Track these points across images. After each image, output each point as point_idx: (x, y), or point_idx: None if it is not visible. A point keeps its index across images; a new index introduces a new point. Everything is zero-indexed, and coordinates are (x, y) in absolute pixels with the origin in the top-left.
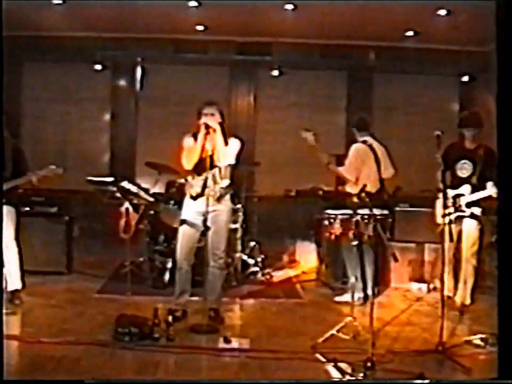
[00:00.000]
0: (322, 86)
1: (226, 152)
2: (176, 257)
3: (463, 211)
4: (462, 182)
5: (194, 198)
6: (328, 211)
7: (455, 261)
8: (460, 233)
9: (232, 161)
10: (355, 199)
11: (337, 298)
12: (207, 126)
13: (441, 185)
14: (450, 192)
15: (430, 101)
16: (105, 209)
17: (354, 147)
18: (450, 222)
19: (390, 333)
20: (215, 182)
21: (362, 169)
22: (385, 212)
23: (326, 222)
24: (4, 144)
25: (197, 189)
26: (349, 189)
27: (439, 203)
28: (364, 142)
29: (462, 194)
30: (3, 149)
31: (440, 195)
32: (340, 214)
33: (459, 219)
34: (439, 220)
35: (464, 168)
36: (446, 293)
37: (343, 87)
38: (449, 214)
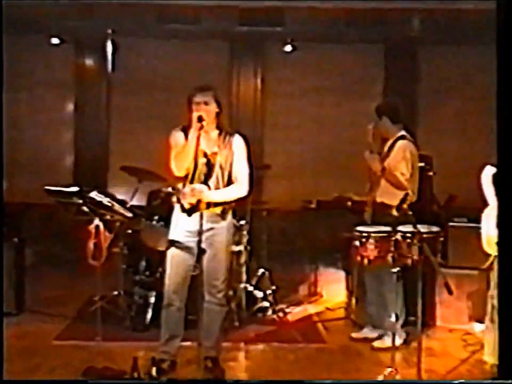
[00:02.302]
0: (351, 65)
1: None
2: (164, 290)
3: None
4: None
5: (188, 211)
6: (360, 228)
7: None
8: None
9: (246, 185)
10: (394, 212)
11: (376, 344)
12: (200, 119)
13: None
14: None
15: (494, 80)
16: (68, 228)
17: (405, 145)
18: None
19: None
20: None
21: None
22: (435, 228)
23: (357, 242)
24: None
25: (191, 199)
26: (384, 198)
27: (487, 221)
28: (403, 137)
29: None
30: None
31: (489, 209)
32: (374, 232)
33: None
34: (489, 247)
35: None
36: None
37: (379, 65)
38: None
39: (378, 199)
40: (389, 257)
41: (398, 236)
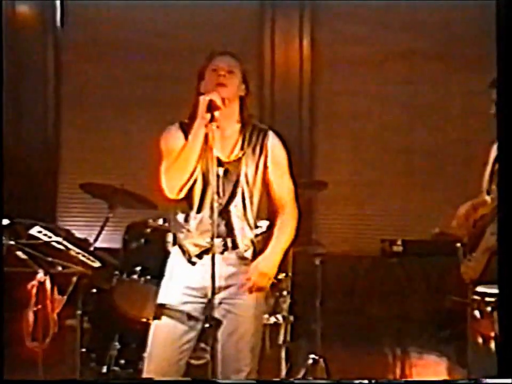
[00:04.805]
0: (457, 17)
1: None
2: None
3: None
4: None
5: (194, 261)
6: (480, 288)
7: None
8: None
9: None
10: None
11: None
12: (211, 107)
13: None
14: None
15: None
16: None
17: None
18: None
19: None
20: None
21: None
22: None
23: (476, 313)
24: None
25: (201, 241)
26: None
27: None
28: None
29: None
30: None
31: None
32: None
33: None
34: None
35: None
36: None
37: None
38: None
39: None
40: None
41: None
